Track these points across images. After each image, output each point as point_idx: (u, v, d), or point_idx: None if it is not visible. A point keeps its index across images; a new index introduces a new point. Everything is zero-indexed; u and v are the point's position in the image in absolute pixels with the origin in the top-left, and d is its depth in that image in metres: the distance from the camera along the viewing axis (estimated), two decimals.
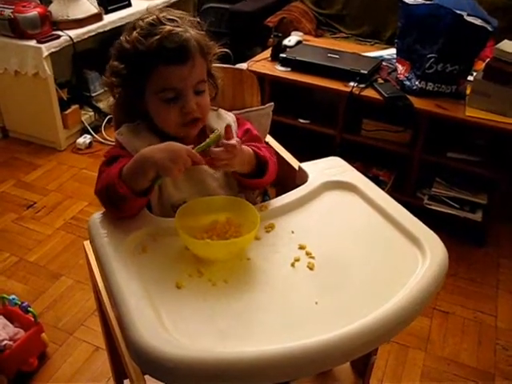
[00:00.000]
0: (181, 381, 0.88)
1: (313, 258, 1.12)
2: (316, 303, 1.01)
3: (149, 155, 1.11)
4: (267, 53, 3.10)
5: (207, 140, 1.17)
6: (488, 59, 2.55)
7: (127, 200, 1.12)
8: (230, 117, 1.40)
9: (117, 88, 1.28)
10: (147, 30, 1.19)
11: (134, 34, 1.20)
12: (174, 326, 0.93)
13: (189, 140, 1.25)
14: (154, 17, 1.21)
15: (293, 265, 1.11)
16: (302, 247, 1.15)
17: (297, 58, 2.91)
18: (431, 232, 1.17)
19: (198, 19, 1.28)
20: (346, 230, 1.22)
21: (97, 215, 1.21)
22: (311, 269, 1.10)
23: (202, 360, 0.86)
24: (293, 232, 1.20)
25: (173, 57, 1.17)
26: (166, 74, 1.18)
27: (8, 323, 2.02)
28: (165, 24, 1.19)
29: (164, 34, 1.17)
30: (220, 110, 1.40)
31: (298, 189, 1.32)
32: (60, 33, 3.29)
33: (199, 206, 1.18)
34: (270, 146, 1.48)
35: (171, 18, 1.22)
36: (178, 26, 1.20)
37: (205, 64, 1.26)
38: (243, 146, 1.22)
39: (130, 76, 1.23)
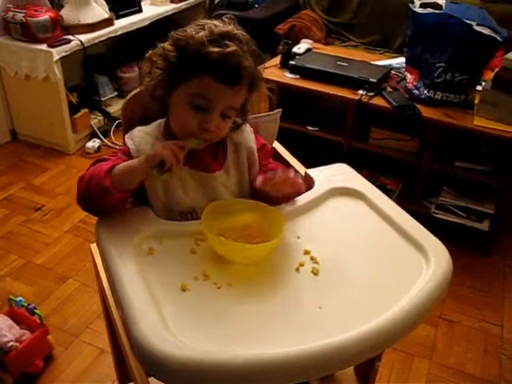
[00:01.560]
0: (185, 382, 0.88)
1: (317, 263, 1.13)
2: (320, 308, 1.01)
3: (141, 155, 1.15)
4: (277, 60, 3.11)
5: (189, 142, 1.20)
6: (497, 69, 2.55)
7: (108, 194, 1.13)
8: (248, 128, 1.40)
9: (156, 68, 1.25)
10: (215, 38, 1.17)
11: (202, 33, 1.18)
12: (179, 329, 0.94)
13: (202, 148, 1.28)
14: (227, 30, 1.20)
15: (297, 269, 1.11)
16: (307, 252, 1.15)
17: (306, 66, 2.91)
18: (436, 239, 1.18)
19: (261, 53, 1.28)
20: (351, 236, 1.22)
21: (103, 217, 1.22)
22: (316, 274, 1.10)
23: (206, 362, 0.87)
24: (298, 237, 1.20)
25: (225, 76, 1.17)
26: (208, 85, 1.17)
27: (14, 325, 2.02)
28: (233, 42, 1.18)
29: (228, 51, 1.16)
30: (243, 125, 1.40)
31: (304, 194, 1.32)
32: (71, 37, 3.31)
33: (234, 206, 1.22)
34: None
35: (241, 39, 1.21)
36: (243, 51, 1.19)
37: (246, 96, 1.26)
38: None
39: (175, 66, 1.21)
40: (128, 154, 1.26)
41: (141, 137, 1.28)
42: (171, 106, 1.26)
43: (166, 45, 1.24)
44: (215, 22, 1.22)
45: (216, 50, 1.15)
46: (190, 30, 1.21)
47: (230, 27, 1.21)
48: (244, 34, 1.23)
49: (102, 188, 1.12)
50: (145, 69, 1.28)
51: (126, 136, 1.30)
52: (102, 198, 1.14)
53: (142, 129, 1.31)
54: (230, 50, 1.16)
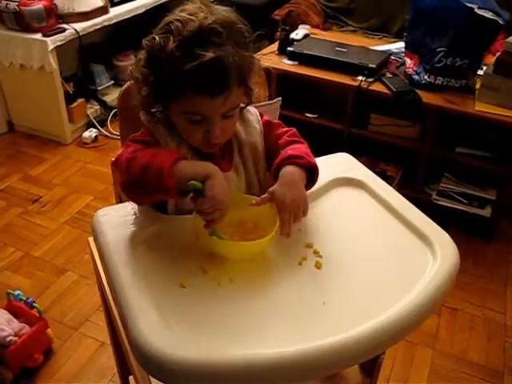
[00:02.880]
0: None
1: (320, 256, 1.10)
2: (324, 303, 0.99)
3: (215, 170, 1.05)
4: (274, 46, 3.08)
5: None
6: (498, 53, 2.52)
7: (166, 194, 1.05)
8: (253, 116, 1.31)
9: (141, 85, 1.16)
10: (187, 47, 1.04)
11: (171, 44, 1.05)
12: (179, 327, 0.91)
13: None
14: (196, 26, 1.05)
15: (300, 263, 1.08)
16: (309, 246, 1.13)
17: (304, 52, 2.88)
18: (442, 231, 1.15)
19: (247, 25, 1.14)
20: (355, 227, 1.19)
21: (101, 212, 1.19)
22: (319, 268, 1.07)
23: (208, 363, 0.84)
24: (300, 230, 1.17)
25: (208, 89, 1.06)
26: (196, 100, 1.08)
27: (13, 319, 2.01)
28: (208, 43, 1.04)
29: (203, 62, 1.02)
30: (244, 111, 1.30)
31: None
32: (66, 26, 3.27)
33: (231, 200, 1.12)
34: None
35: (217, 29, 1.06)
36: (221, 45, 1.05)
37: (242, 90, 1.16)
38: (281, 180, 1.16)
39: (157, 87, 1.13)
40: (153, 136, 1.19)
41: (159, 123, 1.20)
42: (172, 119, 1.18)
43: (142, 67, 1.14)
44: (183, 13, 1.08)
45: (191, 65, 1.03)
46: (158, 37, 1.08)
47: (200, 17, 1.06)
48: (221, 13, 1.10)
49: (161, 186, 1.02)
50: (133, 84, 1.21)
51: (145, 121, 1.21)
52: (158, 193, 1.06)
53: (155, 115, 1.21)
54: (205, 59, 1.02)
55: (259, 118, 1.32)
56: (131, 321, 0.91)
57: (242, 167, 1.27)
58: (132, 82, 1.21)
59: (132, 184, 1.08)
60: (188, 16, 1.07)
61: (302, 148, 1.24)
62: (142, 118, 1.22)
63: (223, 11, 1.11)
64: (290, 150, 1.22)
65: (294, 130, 1.33)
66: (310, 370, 0.88)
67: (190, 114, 1.11)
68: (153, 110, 1.20)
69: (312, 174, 1.21)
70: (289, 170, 1.17)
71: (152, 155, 1.06)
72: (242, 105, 1.24)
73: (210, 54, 1.03)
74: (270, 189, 1.14)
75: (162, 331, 0.89)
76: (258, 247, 1.10)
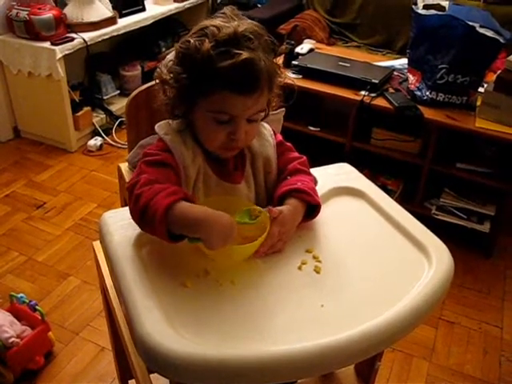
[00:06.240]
0: (187, 378, 0.88)
1: (320, 261, 1.13)
2: (322, 306, 1.02)
3: (207, 225, 1.02)
4: (279, 60, 3.11)
5: (252, 221, 1.14)
6: (499, 71, 2.56)
7: (158, 235, 1.07)
8: (267, 130, 1.35)
9: (169, 86, 1.19)
10: (222, 48, 1.10)
11: (207, 44, 1.10)
12: (182, 325, 0.94)
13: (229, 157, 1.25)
14: (232, 30, 1.11)
15: (300, 268, 1.11)
16: (309, 251, 1.16)
17: (308, 66, 2.92)
18: (438, 239, 1.18)
19: (272, 38, 1.20)
20: (354, 235, 1.22)
21: (107, 214, 1.22)
22: (318, 272, 1.10)
23: (208, 358, 0.87)
24: (300, 236, 1.20)
25: (242, 87, 1.10)
26: (228, 99, 1.11)
27: (15, 321, 2.03)
28: (242, 46, 1.10)
29: (239, 61, 1.08)
30: (260, 126, 1.32)
31: None
32: (74, 35, 3.32)
33: (219, 205, 1.13)
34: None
35: (249, 36, 1.12)
36: (254, 50, 1.11)
37: (268, 95, 1.20)
38: (289, 208, 1.18)
39: (189, 86, 1.16)
40: (167, 150, 1.20)
41: (175, 134, 1.22)
42: (195, 121, 1.21)
43: (173, 65, 1.18)
44: (217, 21, 1.15)
45: (226, 63, 1.08)
46: (193, 39, 1.13)
47: (234, 24, 1.12)
48: (251, 25, 1.15)
49: (154, 228, 1.04)
50: (157, 86, 1.23)
51: (161, 133, 1.23)
52: (154, 235, 1.07)
53: (172, 125, 1.24)
54: (241, 59, 1.08)
55: (272, 133, 1.35)
56: (136, 318, 0.94)
57: (253, 179, 1.30)
58: (158, 83, 1.23)
59: (136, 218, 1.10)
60: (222, 23, 1.13)
61: (310, 184, 1.26)
62: (158, 130, 1.24)
63: (251, 23, 1.17)
64: (299, 183, 1.24)
65: (305, 158, 1.35)
66: (307, 369, 0.91)
67: (218, 113, 1.14)
68: (175, 113, 1.22)
69: (311, 209, 1.23)
70: (295, 204, 1.20)
71: (152, 196, 1.05)
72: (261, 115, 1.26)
73: (245, 54, 1.08)
74: (279, 208, 1.18)
75: (167, 329, 0.92)
76: (246, 252, 1.11)
